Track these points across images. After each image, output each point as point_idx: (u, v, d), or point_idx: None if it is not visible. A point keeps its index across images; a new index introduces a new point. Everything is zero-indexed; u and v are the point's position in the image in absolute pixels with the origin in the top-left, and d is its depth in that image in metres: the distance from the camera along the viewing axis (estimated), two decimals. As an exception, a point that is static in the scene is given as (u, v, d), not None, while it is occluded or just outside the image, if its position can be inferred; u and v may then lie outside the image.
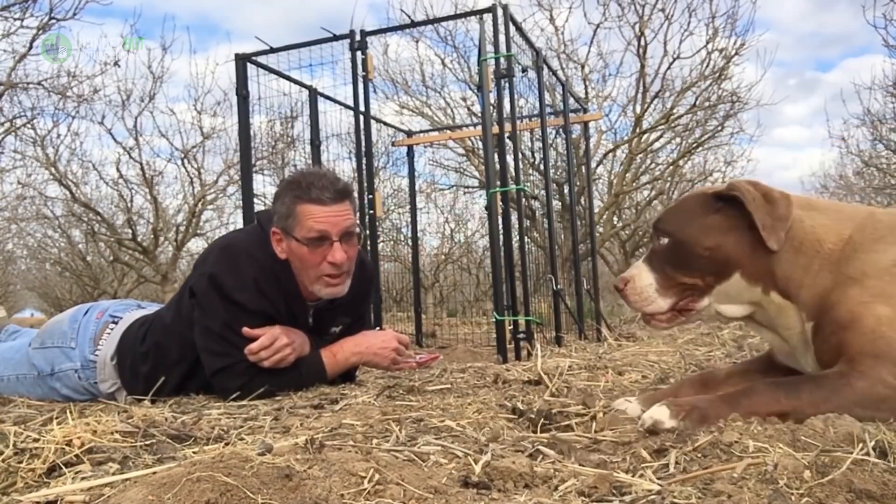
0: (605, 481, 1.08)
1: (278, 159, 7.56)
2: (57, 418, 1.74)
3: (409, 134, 6.01)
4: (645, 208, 11.28)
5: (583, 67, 9.00)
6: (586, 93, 8.94)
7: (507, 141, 3.88)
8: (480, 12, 3.75)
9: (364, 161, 4.10)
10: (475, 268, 13.75)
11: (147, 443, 1.44)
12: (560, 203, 6.84)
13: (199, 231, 10.43)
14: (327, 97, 4.75)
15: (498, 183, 3.64)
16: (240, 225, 5.97)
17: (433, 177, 11.36)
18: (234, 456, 1.07)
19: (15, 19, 7.02)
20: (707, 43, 8.69)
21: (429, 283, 12.80)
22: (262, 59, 4.30)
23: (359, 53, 3.97)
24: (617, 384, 2.16)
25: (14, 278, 18.82)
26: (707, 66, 8.82)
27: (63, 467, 1.24)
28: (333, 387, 2.26)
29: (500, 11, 3.59)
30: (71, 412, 1.75)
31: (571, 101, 5.43)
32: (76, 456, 1.30)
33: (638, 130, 9.03)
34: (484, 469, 1.15)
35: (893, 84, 9.42)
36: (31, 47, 7.30)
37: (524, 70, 4.15)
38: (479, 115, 4.44)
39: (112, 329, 2.43)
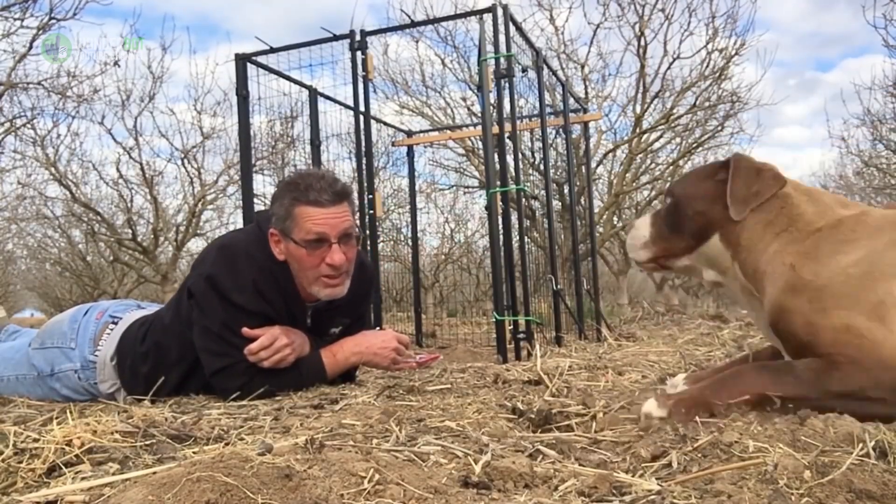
0: (605, 481, 1.08)
1: (278, 159, 7.56)
2: (57, 418, 1.74)
3: (409, 134, 6.01)
4: (645, 208, 11.28)
5: (583, 67, 8.99)
6: (586, 93, 8.94)
7: (507, 141, 3.88)
8: (480, 12, 3.74)
9: (364, 161, 4.10)
10: (475, 268, 13.75)
11: (147, 443, 1.44)
12: (560, 203, 6.84)
13: (199, 231, 10.44)
14: (327, 97, 4.75)
15: (498, 183, 3.64)
16: (240, 225, 5.96)
17: (433, 177, 11.37)
18: (234, 456, 1.07)
19: (15, 19, 7.03)
20: (707, 43, 8.70)
21: (429, 283, 12.80)
22: (262, 59, 4.30)
23: (359, 53, 3.97)
24: (617, 384, 2.16)
25: (14, 278, 18.82)
26: (707, 66, 8.82)
27: (63, 467, 1.24)
28: (333, 387, 2.26)
29: (500, 11, 3.59)
30: (71, 412, 1.75)
31: (571, 101, 5.43)
32: (76, 456, 1.30)
33: (638, 130, 9.03)
34: (484, 469, 1.15)
35: (893, 84, 9.42)
36: (31, 47, 7.30)
37: (524, 70, 4.14)
38: (479, 115, 4.44)
39: (112, 329, 2.43)
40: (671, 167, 10.46)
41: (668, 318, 7.19)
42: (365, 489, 1.03)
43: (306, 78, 4.69)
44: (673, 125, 9.39)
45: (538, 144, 5.31)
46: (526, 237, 4.06)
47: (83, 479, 1.17)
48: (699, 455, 1.19)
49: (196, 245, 11.02)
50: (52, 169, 9.47)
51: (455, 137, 8.08)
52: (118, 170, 9.78)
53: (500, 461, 1.16)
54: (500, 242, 3.65)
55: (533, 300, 4.28)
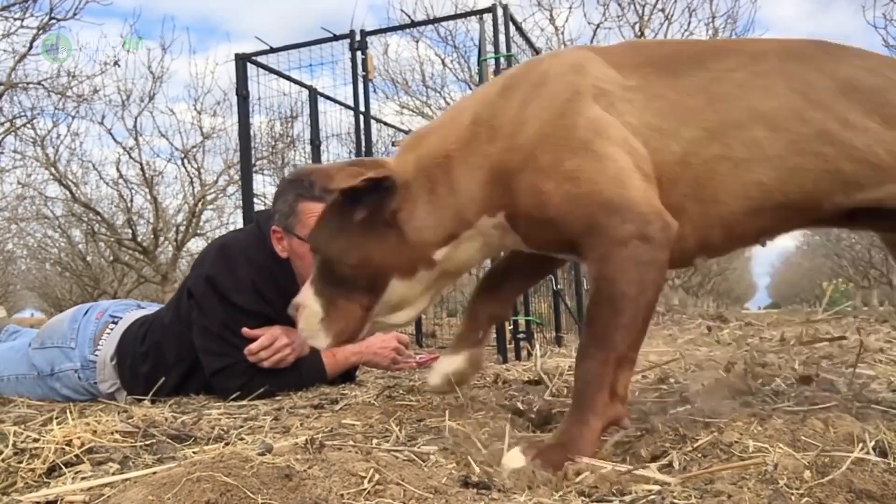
0: (605, 481, 1.08)
1: (278, 159, 7.55)
2: (57, 418, 1.74)
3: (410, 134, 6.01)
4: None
5: (583, 67, 8.99)
6: (586, 93, 8.93)
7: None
8: (480, 12, 3.74)
9: (364, 161, 4.10)
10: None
11: (147, 443, 1.44)
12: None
13: (199, 231, 10.43)
14: (327, 97, 4.74)
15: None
16: (240, 225, 5.97)
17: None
18: (234, 456, 1.07)
19: (15, 19, 7.01)
20: (707, 43, 8.70)
21: (429, 283, 12.79)
22: (262, 59, 4.30)
23: (359, 53, 3.97)
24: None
25: (14, 278, 18.80)
26: (707, 66, 8.81)
27: (63, 467, 1.24)
28: (333, 387, 2.26)
29: (500, 11, 3.59)
30: (71, 412, 1.75)
31: (571, 101, 5.42)
32: (76, 456, 1.30)
33: (638, 130, 9.01)
34: (484, 469, 1.15)
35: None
36: (31, 47, 7.28)
37: (524, 70, 4.14)
38: (479, 115, 4.43)
39: (112, 329, 2.43)
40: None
41: (668, 318, 7.19)
42: (365, 489, 1.03)
43: (306, 78, 4.70)
44: (673, 125, 9.37)
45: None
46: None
47: (83, 479, 1.17)
48: (699, 455, 1.19)
49: (196, 245, 11.02)
50: (52, 169, 9.47)
51: (455, 137, 8.06)
52: (118, 170, 9.79)
53: (500, 461, 1.16)
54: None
55: (533, 300, 4.27)
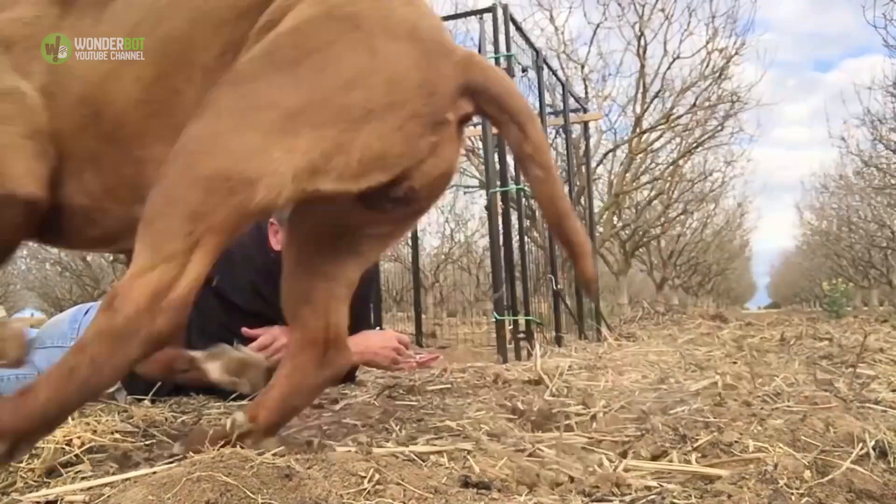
0: (605, 481, 1.08)
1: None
2: (57, 418, 1.74)
3: (409, 134, 6.00)
4: (645, 208, 11.29)
5: (583, 67, 9.00)
6: (586, 93, 8.94)
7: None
8: (480, 12, 3.74)
9: (364, 161, 4.09)
10: (475, 268, 13.76)
11: (147, 443, 1.44)
12: (560, 203, 6.83)
13: (199, 231, 10.42)
14: (327, 97, 4.74)
15: (498, 183, 3.63)
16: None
17: (433, 177, 11.33)
18: (234, 456, 1.07)
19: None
20: (707, 43, 8.70)
21: (429, 283, 12.80)
22: (262, 59, 4.29)
23: (359, 53, 3.96)
24: (617, 384, 2.16)
25: (14, 278, 18.81)
26: (707, 66, 8.83)
27: (63, 467, 1.24)
28: (333, 387, 2.26)
29: (500, 11, 3.59)
30: (71, 412, 1.75)
31: (571, 100, 5.43)
32: (76, 456, 1.30)
33: (638, 130, 9.02)
34: (484, 469, 1.15)
35: (893, 84, 9.43)
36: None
37: (524, 70, 4.14)
38: (479, 115, 4.43)
39: (112, 329, 2.43)
40: (671, 167, 10.46)
41: (668, 317, 7.20)
42: (365, 489, 1.03)
43: (306, 78, 4.68)
44: (673, 125, 9.39)
45: (538, 144, 5.29)
46: (526, 237, 4.06)
47: (83, 479, 1.17)
48: (699, 455, 1.19)
49: (196, 245, 11.00)
50: (52, 169, 9.47)
51: (455, 137, 8.06)
52: (118, 170, 9.78)
53: (500, 461, 1.16)
54: (500, 242, 3.65)
55: (533, 300, 4.28)
